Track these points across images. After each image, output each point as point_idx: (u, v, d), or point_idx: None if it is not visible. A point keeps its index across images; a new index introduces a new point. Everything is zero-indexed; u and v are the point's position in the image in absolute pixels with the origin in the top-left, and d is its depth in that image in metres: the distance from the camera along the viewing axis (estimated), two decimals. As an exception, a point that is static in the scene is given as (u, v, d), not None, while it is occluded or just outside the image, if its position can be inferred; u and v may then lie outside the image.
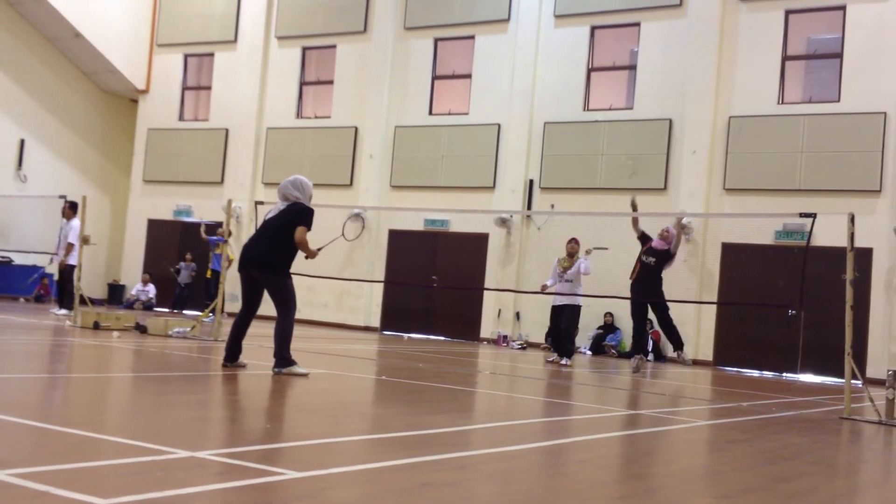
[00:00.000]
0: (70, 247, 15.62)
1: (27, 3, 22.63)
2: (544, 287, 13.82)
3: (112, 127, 25.35)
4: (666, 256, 12.18)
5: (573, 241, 13.78)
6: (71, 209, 15.86)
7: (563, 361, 13.44)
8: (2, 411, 5.01)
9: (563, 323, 13.64)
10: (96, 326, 12.63)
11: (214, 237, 19.51)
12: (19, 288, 21.87)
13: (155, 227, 24.26)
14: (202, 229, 20.30)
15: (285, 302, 8.27)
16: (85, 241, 14.16)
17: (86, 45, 23.45)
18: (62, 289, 16.07)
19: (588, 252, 13.68)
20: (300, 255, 8.41)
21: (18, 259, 21.84)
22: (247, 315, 8.50)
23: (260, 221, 8.75)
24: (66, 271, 15.74)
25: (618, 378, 11.86)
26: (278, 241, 8.22)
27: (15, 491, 3.18)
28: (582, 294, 13.57)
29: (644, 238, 12.36)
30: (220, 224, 20.05)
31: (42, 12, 22.75)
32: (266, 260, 8.25)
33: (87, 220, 14.35)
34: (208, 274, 19.85)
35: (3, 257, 21.87)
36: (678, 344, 12.09)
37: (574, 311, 13.68)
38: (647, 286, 12.03)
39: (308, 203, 8.39)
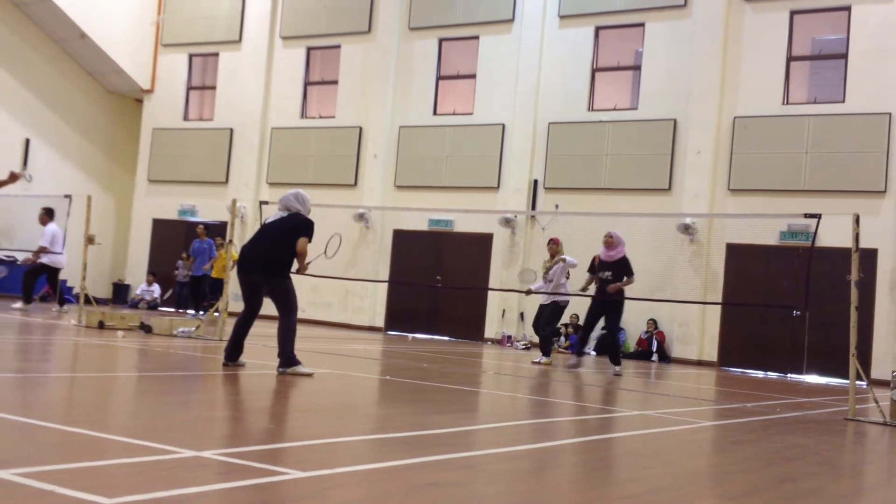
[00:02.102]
0: (42, 249, 15.95)
1: (33, 4, 22.68)
2: (528, 291, 14.09)
3: (117, 127, 25.39)
4: (621, 265, 12.27)
5: (552, 242, 13.81)
6: (47, 215, 16.29)
7: (541, 360, 13.42)
8: (6, 410, 5.02)
9: (543, 321, 13.70)
10: (101, 326, 12.65)
11: (202, 242, 19.42)
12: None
13: (160, 226, 24.29)
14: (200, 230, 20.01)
15: (287, 303, 8.34)
16: (90, 240, 14.18)
17: (91, 45, 23.48)
18: (53, 286, 16.49)
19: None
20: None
21: (23, 258, 21.85)
22: (250, 315, 8.56)
23: (260, 224, 8.84)
24: (37, 270, 16.21)
25: (622, 379, 11.85)
26: (280, 246, 8.33)
27: (20, 490, 3.19)
28: (564, 294, 13.47)
29: (592, 266, 12.56)
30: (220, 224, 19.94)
31: (48, 13, 22.79)
32: (267, 263, 8.33)
33: (92, 219, 14.35)
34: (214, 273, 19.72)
35: (7, 257, 21.89)
36: (617, 360, 12.48)
37: (554, 310, 13.64)
38: (606, 302, 12.30)
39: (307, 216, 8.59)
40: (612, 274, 12.27)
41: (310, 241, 8.38)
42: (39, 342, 10.53)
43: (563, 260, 13.46)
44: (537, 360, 13.44)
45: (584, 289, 12.73)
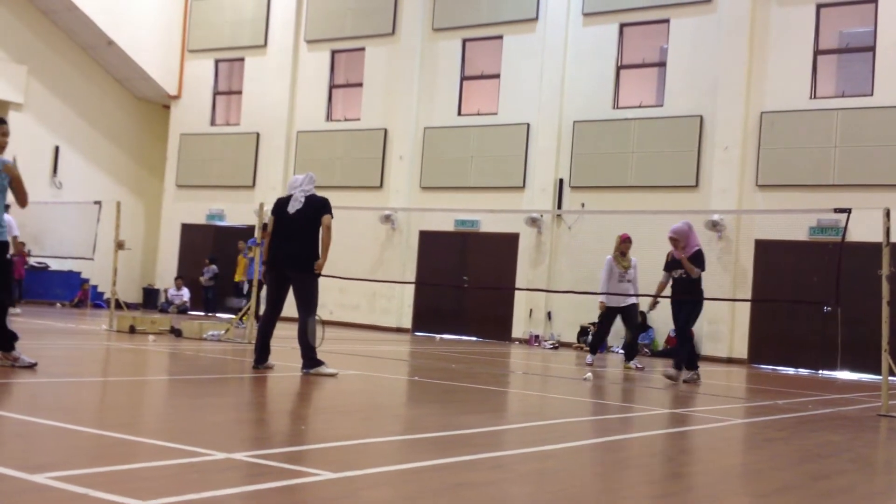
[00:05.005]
0: None
1: (61, 12, 22.96)
2: (605, 309, 13.10)
3: (145, 133, 25.65)
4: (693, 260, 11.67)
5: (628, 240, 12.92)
6: None
7: (638, 365, 12.84)
8: (41, 415, 5.09)
9: (633, 324, 13.00)
10: (132, 330, 12.78)
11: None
12: (56, 293, 22.18)
13: (188, 231, 24.50)
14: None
15: (309, 303, 8.42)
16: (120, 246, 14.33)
17: (118, 52, 23.74)
18: None
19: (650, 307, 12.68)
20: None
21: (55, 265, 22.14)
22: (273, 316, 8.61)
23: (273, 216, 8.75)
24: None
25: (651, 377, 11.79)
26: (310, 241, 8.45)
27: (55, 493, 3.23)
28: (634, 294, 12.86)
29: (668, 264, 11.45)
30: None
31: (75, 21, 23.06)
32: (302, 260, 8.40)
33: (122, 225, 14.51)
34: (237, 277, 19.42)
35: (39, 263, 22.17)
36: (692, 363, 11.23)
37: (636, 311, 13.17)
38: (683, 299, 11.24)
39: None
40: (682, 272, 11.08)
41: (332, 217, 8.51)
42: (72, 347, 10.64)
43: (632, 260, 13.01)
44: (638, 366, 12.77)
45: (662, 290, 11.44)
